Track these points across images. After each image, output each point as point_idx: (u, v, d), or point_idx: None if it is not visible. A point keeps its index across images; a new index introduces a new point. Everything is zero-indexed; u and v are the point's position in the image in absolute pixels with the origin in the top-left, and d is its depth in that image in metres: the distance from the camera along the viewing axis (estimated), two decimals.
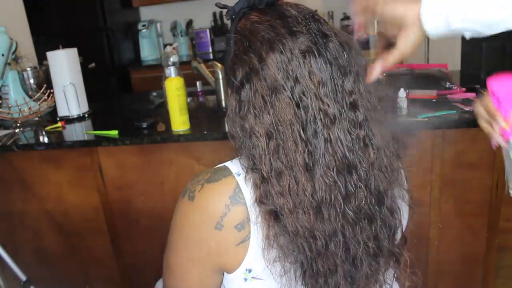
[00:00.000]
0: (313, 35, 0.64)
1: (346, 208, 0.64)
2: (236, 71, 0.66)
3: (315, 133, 0.62)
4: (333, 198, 0.63)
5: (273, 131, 0.62)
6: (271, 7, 0.68)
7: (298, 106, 0.62)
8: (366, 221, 0.66)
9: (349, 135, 0.64)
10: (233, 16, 0.70)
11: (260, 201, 0.64)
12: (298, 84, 0.62)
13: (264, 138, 0.63)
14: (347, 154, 0.63)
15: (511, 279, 1.79)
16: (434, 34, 0.63)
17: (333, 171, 0.63)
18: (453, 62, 3.45)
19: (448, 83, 1.71)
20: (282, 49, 0.62)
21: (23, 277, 1.64)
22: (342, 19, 3.60)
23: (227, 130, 0.70)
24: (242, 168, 0.67)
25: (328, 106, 0.62)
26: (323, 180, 0.62)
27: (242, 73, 0.65)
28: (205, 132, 1.59)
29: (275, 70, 0.62)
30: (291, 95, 0.62)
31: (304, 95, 0.62)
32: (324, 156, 0.62)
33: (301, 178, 0.62)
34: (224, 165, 0.71)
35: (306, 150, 0.62)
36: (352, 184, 0.64)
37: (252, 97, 0.64)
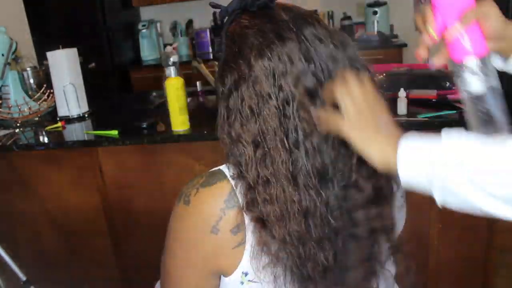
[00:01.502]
0: (304, 40, 0.62)
1: (330, 217, 0.63)
2: (225, 78, 0.66)
3: (297, 142, 0.61)
4: (316, 206, 0.62)
5: (259, 140, 0.62)
6: (263, 10, 0.66)
7: (284, 114, 0.61)
8: (351, 227, 0.65)
9: (331, 142, 0.62)
10: (226, 17, 0.69)
11: (247, 208, 0.64)
12: (283, 92, 0.61)
13: (251, 146, 0.62)
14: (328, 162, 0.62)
15: (511, 279, 1.79)
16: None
17: (315, 180, 0.62)
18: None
19: (448, 83, 1.70)
20: (270, 55, 0.61)
21: (23, 277, 1.64)
22: (342, 19, 3.60)
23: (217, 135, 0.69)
24: (231, 175, 0.67)
25: (311, 115, 0.61)
26: (306, 190, 0.62)
27: (230, 81, 0.64)
28: (205, 132, 1.59)
29: (262, 77, 0.61)
30: (277, 103, 0.61)
31: (287, 103, 0.61)
32: (306, 166, 0.61)
33: (287, 186, 0.61)
34: (219, 169, 0.70)
35: (290, 159, 0.61)
36: (334, 193, 0.63)
37: (239, 104, 0.63)
